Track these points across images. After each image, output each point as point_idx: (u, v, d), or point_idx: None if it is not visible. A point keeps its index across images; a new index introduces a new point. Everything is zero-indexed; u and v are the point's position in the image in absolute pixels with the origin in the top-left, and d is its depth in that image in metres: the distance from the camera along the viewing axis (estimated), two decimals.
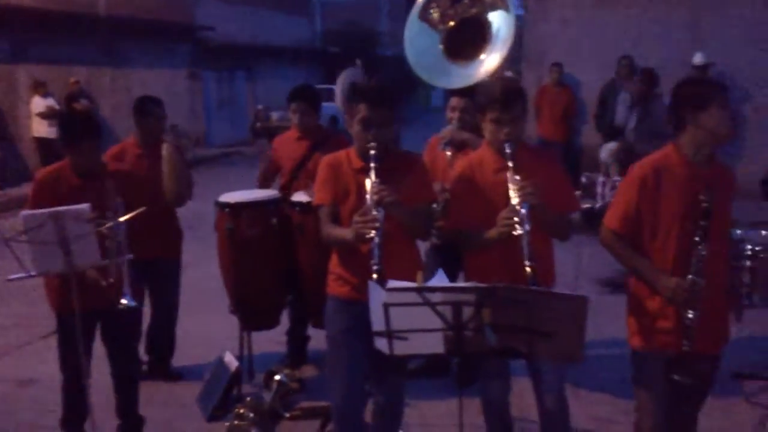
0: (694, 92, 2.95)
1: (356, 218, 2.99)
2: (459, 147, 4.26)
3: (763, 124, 9.67)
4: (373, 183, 3.01)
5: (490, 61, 4.25)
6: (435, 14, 4.32)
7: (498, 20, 4.24)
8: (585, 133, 10.95)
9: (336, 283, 3.34)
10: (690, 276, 2.84)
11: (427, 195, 3.35)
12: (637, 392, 3.13)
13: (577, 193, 9.64)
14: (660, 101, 6.64)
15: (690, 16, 10.31)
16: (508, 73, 17.70)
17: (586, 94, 10.76)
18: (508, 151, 3.08)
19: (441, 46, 4.33)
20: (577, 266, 7.31)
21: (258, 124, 20.52)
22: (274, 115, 19.69)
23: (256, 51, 22.57)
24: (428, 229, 3.40)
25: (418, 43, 4.35)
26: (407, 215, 3.14)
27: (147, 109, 4.73)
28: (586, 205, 9.40)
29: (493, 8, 4.27)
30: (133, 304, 3.64)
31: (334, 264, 3.35)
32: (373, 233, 2.91)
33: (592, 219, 7.43)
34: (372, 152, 3.07)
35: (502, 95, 3.16)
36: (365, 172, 3.10)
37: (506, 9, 4.23)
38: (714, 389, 3.22)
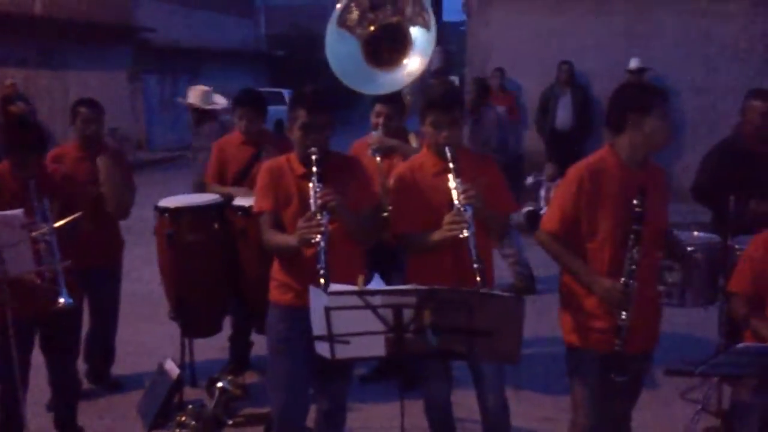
0: (638, 97, 3.01)
1: (301, 223, 2.97)
2: (387, 153, 4.36)
3: (696, 129, 9.98)
4: (316, 187, 3.01)
5: (412, 66, 4.28)
6: (353, 16, 4.32)
7: (416, 33, 4.29)
8: (526, 137, 11.11)
9: (278, 291, 3.31)
10: (623, 278, 2.90)
11: (370, 197, 3.36)
12: (573, 389, 3.20)
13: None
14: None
15: (628, 23, 10.57)
16: (453, 78, 17.90)
17: (527, 99, 10.93)
18: (448, 154, 3.11)
19: (361, 52, 4.34)
20: None
21: None
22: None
23: (199, 53, 22.27)
24: (374, 232, 3.39)
25: (339, 50, 4.34)
26: (352, 218, 3.15)
27: (75, 110, 4.63)
28: (529, 208, 9.58)
29: (413, 23, 4.31)
30: (71, 301, 3.55)
31: (277, 270, 3.32)
32: (318, 237, 2.90)
33: (535, 221, 7.55)
34: (313, 157, 3.07)
35: (441, 99, 3.20)
36: (307, 178, 3.09)
37: (426, 27, 4.26)
38: (649, 386, 3.32)
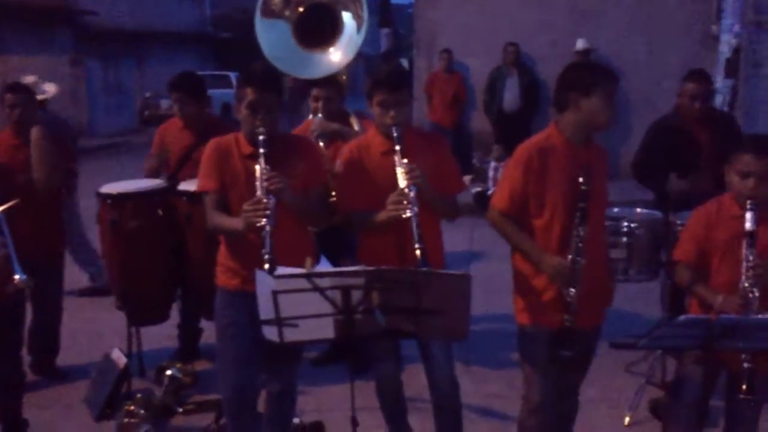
0: (581, 77, 3.02)
1: (246, 207, 2.93)
2: (331, 138, 4.31)
3: (641, 109, 10.15)
4: (262, 169, 2.97)
5: (345, 47, 4.24)
6: (277, 0, 4.24)
7: (348, 20, 4.25)
8: (474, 118, 11.19)
9: (225, 275, 3.27)
10: (570, 255, 2.94)
11: (319, 178, 3.33)
12: (524, 366, 3.24)
13: (468, 177, 9.89)
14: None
15: (573, 4, 10.69)
16: (403, 61, 17.89)
17: (475, 80, 10.98)
18: (395, 134, 3.12)
19: (293, 35, 4.27)
20: (470, 247, 7.52)
21: (147, 113, 19.86)
22: (164, 103, 19.10)
23: (143, 37, 21.77)
24: (322, 214, 3.36)
25: (269, 37, 4.25)
26: (299, 201, 3.12)
27: (1, 96, 4.48)
28: (478, 189, 9.67)
29: (346, 8, 4.25)
30: (25, 277, 3.45)
31: (223, 255, 3.28)
32: (264, 221, 2.87)
33: (484, 202, 7.62)
34: (261, 137, 3.02)
35: (388, 78, 3.21)
36: (254, 158, 3.04)
37: (358, 20, 4.20)
38: (594, 359, 3.38)
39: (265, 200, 2.91)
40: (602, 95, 2.96)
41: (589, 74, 3.03)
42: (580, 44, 10.19)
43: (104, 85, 20.40)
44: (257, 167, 2.99)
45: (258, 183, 2.96)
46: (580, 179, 2.93)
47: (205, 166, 3.22)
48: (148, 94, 20.26)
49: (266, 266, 2.77)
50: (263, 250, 2.82)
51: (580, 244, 2.94)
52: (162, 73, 21.21)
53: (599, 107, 2.97)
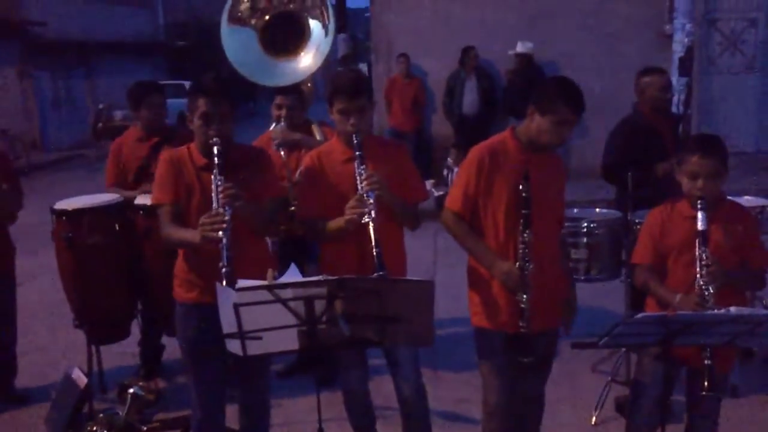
0: (546, 95, 3.03)
1: (203, 219, 2.88)
2: (292, 147, 4.29)
3: (594, 109, 10.26)
4: (218, 182, 2.93)
5: (305, 63, 4.24)
6: (244, 8, 4.24)
7: (314, 26, 4.26)
8: (435, 121, 11.22)
9: (182, 288, 3.22)
10: (518, 262, 2.98)
11: (274, 189, 3.30)
12: (481, 369, 3.24)
13: (431, 181, 9.90)
14: None
15: (530, 8, 10.76)
16: (362, 65, 17.80)
17: (433, 84, 11.00)
18: (355, 141, 3.10)
19: (258, 42, 4.27)
20: (434, 252, 7.52)
21: (100, 125, 19.51)
22: (118, 114, 18.78)
23: (94, 47, 21.39)
24: (276, 225, 3.33)
25: (235, 43, 4.26)
26: (255, 213, 3.07)
27: None
28: (440, 193, 9.68)
29: (312, 15, 4.26)
30: None
31: (179, 267, 3.23)
32: (220, 234, 2.82)
33: None
34: (215, 148, 2.98)
35: (348, 86, 3.17)
36: (208, 169, 3.01)
37: (324, 25, 4.21)
38: (560, 361, 3.40)
39: (221, 212, 2.86)
40: (553, 120, 2.98)
41: (553, 96, 3.01)
42: (520, 47, 10.24)
43: (54, 97, 19.96)
44: (213, 178, 2.95)
45: (213, 195, 2.92)
46: (521, 186, 2.96)
47: (160, 178, 3.16)
48: (101, 106, 19.90)
49: (224, 280, 2.73)
50: (221, 263, 2.78)
51: (527, 250, 2.97)
52: (114, 83, 20.89)
53: (544, 129, 3.01)
